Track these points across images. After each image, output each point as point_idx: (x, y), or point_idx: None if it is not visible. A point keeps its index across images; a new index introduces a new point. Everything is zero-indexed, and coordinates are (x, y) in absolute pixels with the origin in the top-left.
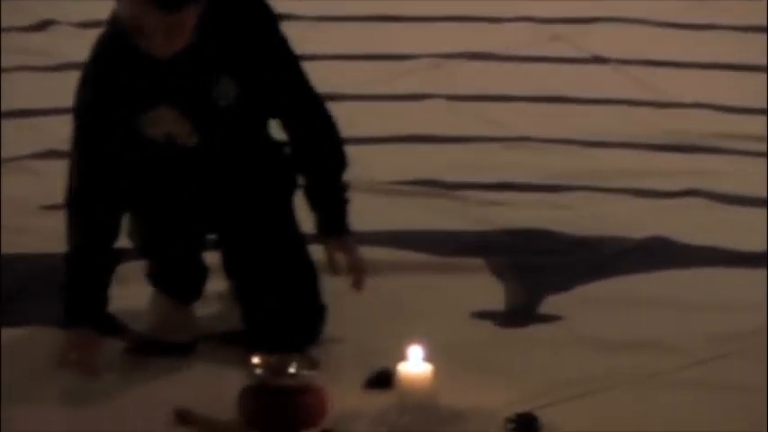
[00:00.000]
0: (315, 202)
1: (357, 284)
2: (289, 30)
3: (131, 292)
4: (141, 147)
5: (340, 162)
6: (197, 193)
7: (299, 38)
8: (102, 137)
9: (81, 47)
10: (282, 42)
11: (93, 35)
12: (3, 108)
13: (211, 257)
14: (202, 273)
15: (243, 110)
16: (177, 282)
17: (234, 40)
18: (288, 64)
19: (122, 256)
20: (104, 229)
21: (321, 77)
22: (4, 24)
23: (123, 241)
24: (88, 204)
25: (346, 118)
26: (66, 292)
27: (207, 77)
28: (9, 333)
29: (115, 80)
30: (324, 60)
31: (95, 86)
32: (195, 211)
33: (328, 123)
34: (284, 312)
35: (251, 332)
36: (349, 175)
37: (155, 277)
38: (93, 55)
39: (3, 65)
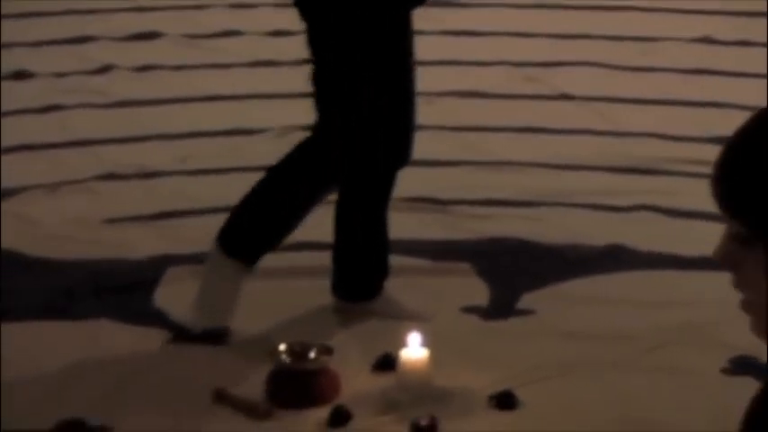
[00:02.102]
0: None
1: None
2: None
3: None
4: None
5: None
6: None
7: None
8: None
9: (136, 88)
10: None
11: (147, 77)
12: (68, 138)
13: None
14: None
15: None
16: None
17: None
18: None
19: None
20: None
21: None
22: (67, 69)
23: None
24: None
25: None
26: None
27: None
28: (78, 326)
29: None
30: None
31: None
32: None
33: None
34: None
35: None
36: None
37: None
38: None
39: (67, 103)
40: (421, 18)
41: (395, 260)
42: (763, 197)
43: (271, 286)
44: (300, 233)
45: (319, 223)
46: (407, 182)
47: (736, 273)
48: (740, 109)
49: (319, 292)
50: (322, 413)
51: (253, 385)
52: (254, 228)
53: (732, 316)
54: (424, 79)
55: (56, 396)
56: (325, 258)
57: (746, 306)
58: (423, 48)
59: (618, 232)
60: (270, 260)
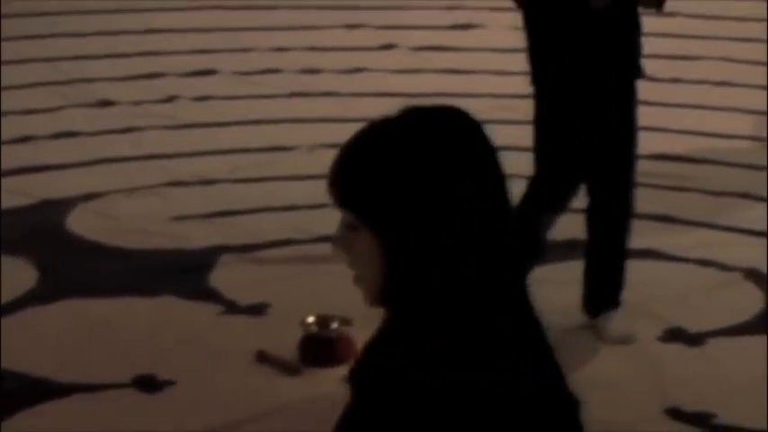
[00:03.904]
0: None
1: None
2: None
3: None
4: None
5: None
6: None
7: None
8: None
9: (196, 114)
10: None
11: (205, 105)
12: (142, 153)
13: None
14: None
15: None
16: None
17: None
18: None
19: None
20: None
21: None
22: (142, 99)
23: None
24: None
25: None
26: None
27: None
28: (149, 301)
29: None
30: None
31: None
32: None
33: None
34: None
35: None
36: None
37: None
38: None
39: (141, 125)
40: (420, 58)
41: None
42: (363, 191)
43: (301, 270)
44: (323, 227)
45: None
46: None
47: (349, 254)
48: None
49: (340, 275)
50: (342, 371)
51: (287, 348)
52: None
53: (665, 295)
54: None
55: (131, 353)
56: None
57: (357, 281)
58: (421, 83)
59: (573, 230)
60: (300, 250)
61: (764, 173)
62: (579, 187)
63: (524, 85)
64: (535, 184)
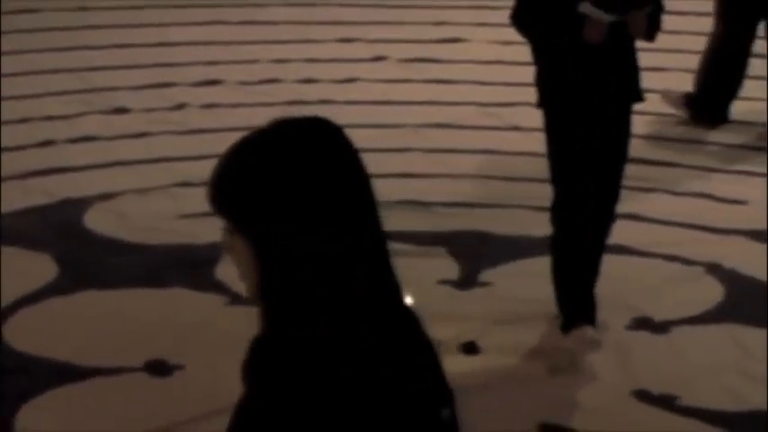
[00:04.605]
0: None
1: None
2: None
3: None
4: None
5: None
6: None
7: None
8: None
9: (203, 121)
10: None
11: (212, 112)
12: (153, 156)
13: None
14: None
15: None
16: None
17: None
18: None
19: None
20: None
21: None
22: (154, 106)
23: None
24: (526, 21)
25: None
26: None
27: None
28: (160, 292)
29: None
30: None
31: None
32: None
33: None
34: None
35: None
36: None
37: None
38: None
39: (153, 131)
40: (409, 69)
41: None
42: (231, 200)
43: None
44: None
45: None
46: (399, 189)
47: (231, 255)
48: None
49: None
50: None
51: None
52: None
53: (634, 287)
54: (413, 115)
55: (144, 340)
56: None
57: (241, 278)
58: (411, 91)
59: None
60: None
61: (725, 174)
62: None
63: (505, 94)
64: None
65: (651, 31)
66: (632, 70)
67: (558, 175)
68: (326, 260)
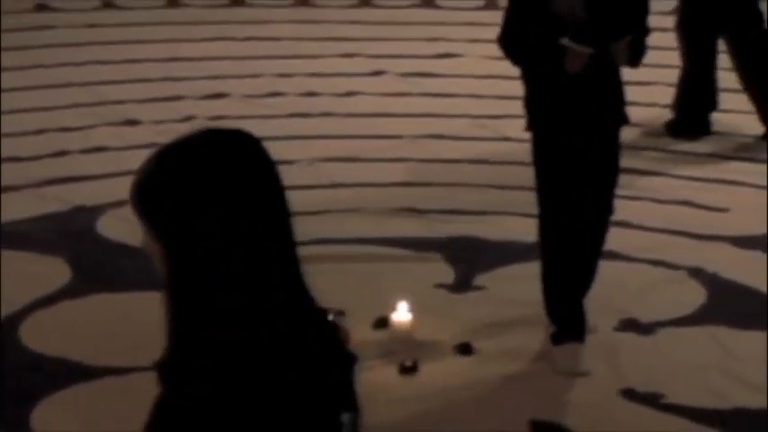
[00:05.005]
0: None
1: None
2: None
3: None
4: (548, 15)
5: None
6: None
7: None
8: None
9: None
10: None
11: (218, 125)
12: None
13: None
14: None
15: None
16: None
17: None
18: None
19: None
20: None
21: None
22: (162, 118)
23: None
24: (512, 47)
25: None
26: None
27: None
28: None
29: None
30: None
31: None
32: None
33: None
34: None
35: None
36: (362, 203)
37: None
38: None
39: (161, 142)
40: (406, 83)
41: (387, 251)
42: (147, 205)
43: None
44: (321, 230)
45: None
46: (397, 197)
47: (153, 259)
48: None
49: (334, 273)
50: None
51: None
52: None
53: (621, 291)
54: (410, 126)
55: (153, 341)
56: (336, 249)
57: (162, 278)
58: (408, 104)
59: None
60: (300, 251)
61: (706, 183)
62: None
63: (496, 106)
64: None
65: (634, 57)
66: (617, 95)
67: (546, 199)
68: (235, 267)
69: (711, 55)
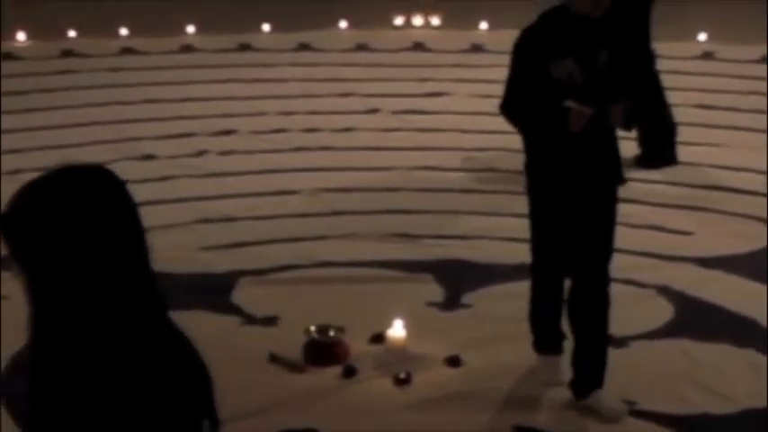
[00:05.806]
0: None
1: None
2: None
3: None
4: (548, 80)
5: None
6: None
7: None
8: (529, 68)
9: (220, 165)
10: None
11: (228, 158)
12: (176, 196)
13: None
14: None
15: (611, 69)
16: None
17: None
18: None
19: None
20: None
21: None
22: (177, 153)
23: None
24: (514, 112)
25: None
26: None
27: (599, 42)
28: (182, 314)
29: (548, 35)
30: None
31: (535, 36)
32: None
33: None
34: None
35: None
36: (359, 229)
37: None
38: (540, 17)
39: (176, 174)
40: (399, 120)
41: (383, 273)
42: (9, 234)
43: (305, 290)
44: (322, 254)
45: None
46: (391, 224)
47: (18, 280)
48: None
49: (335, 293)
50: (338, 369)
51: (294, 351)
52: None
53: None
54: (403, 159)
55: None
56: (336, 271)
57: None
58: (400, 139)
59: (524, 255)
60: (304, 273)
61: (673, 209)
62: (564, 277)
63: (482, 140)
64: (534, 274)
65: (629, 120)
66: (613, 154)
67: (539, 255)
68: (86, 296)
69: (658, 86)
